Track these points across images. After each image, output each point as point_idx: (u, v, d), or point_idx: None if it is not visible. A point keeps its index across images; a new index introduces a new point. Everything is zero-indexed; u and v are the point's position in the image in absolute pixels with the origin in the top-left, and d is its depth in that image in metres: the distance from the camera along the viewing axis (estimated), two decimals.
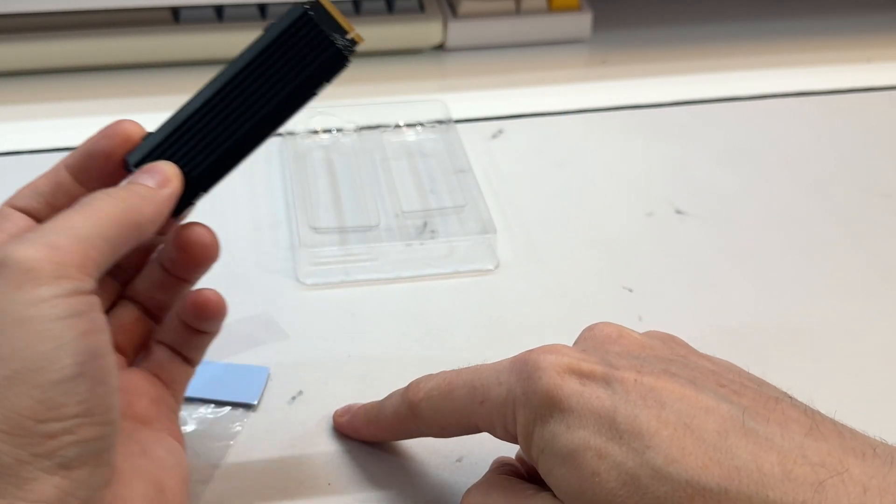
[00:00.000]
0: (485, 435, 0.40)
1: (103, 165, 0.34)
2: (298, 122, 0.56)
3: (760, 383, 0.33)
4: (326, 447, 0.39)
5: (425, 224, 0.50)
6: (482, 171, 0.55)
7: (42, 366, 0.28)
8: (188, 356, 0.37)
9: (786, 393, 0.32)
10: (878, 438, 0.30)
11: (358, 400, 0.41)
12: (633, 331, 0.35)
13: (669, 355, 0.34)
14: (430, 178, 0.54)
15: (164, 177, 0.33)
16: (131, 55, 0.61)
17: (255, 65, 0.34)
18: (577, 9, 0.67)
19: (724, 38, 0.69)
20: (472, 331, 0.45)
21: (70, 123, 0.58)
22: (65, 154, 0.54)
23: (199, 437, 0.39)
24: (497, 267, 0.49)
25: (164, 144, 0.35)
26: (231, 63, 0.34)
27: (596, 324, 0.35)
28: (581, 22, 0.67)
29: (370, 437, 0.40)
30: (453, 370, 0.36)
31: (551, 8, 0.67)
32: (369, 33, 0.63)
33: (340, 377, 0.42)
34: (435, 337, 0.45)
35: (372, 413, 0.39)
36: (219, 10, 0.62)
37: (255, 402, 0.41)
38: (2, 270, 0.28)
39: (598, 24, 0.68)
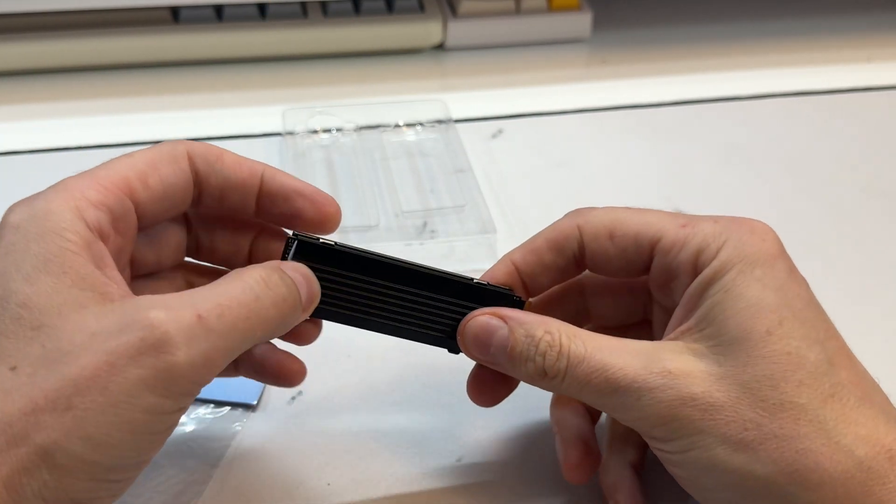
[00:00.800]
0: (484, 436, 0.40)
1: (280, 212, 0.35)
2: (298, 122, 0.56)
3: None
4: (326, 447, 0.39)
5: (425, 224, 0.50)
6: (482, 171, 0.55)
7: (118, 465, 0.28)
8: None
9: None
10: None
11: (357, 400, 0.41)
12: None
13: None
14: (430, 177, 0.54)
15: (311, 299, 0.33)
16: (131, 55, 0.61)
17: (438, 296, 0.35)
18: (576, 8, 0.67)
19: (723, 38, 0.69)
20: None
21: (70, 123, 0.58)
22: (64, 154, 0.55)
23: (199, 437, 0.39)
24: None
25: (328, 265, 0.34)
26: (431, 270, 0.35)
27: None
28: (581, 22, 0.67)
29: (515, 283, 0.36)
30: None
31: (551, 8, 0.67)
32: (369, 33, 0.64)
33: (340, 377, 0.42)
34: None
35: (521, 246, 0.37)
36: (218, 10, 0.62)
37: (255, 402, 0.41)
38: (150, 349, 0.28)
39: (597, 24, 0.68)
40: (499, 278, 0.37)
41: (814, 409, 0.31)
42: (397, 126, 0.57)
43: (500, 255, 0.49)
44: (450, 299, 0.36)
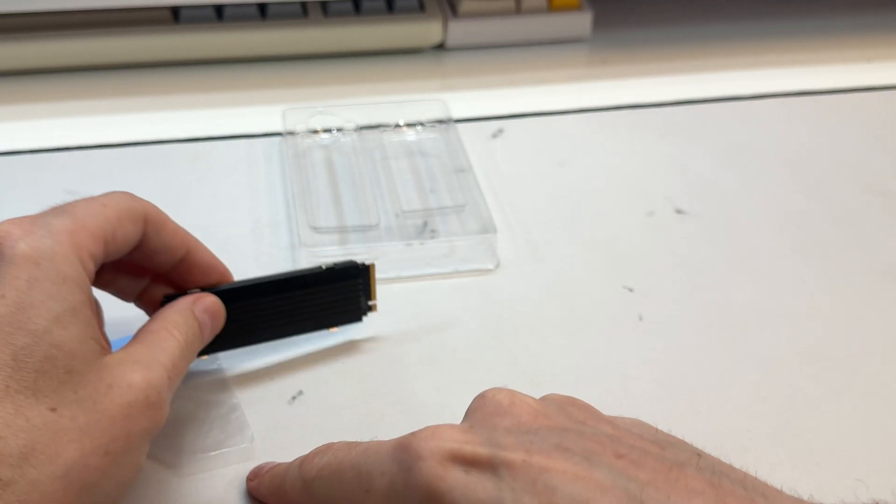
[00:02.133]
0: None
1: (194, 279, 0.39)
2: (299, 121, 0.56)
3: (665, 445, 0.30)
4: None
5: (425, 224, 0.50)
6: (482, 171, 0.55)
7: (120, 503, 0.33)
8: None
9: (695, 451, 0.30)
10: (798, 496, 0.29)
11: (357, 399, 0.41)
12: (529, 396, 0.32)
13: (566, 423, 0.31)
14: (431, 177, 0.54)
15: (215, 328, 0.39)
16: (131, 55, 0.61)
17: (304, 293, 0.41)
18: (577, 8, 0.67)
19: (724, 38, 0.69)
20: (472, 331, 0.45)
21: (70, 123, 0.58)
22: (65, 154, 0.55)
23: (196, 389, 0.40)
24: (497, 267, 0.49)
25: None
26: (290, 278, 0.41)
27: (487, 391, 0.33)
28: (581, 21, 0.67)
29: None
30: (347, 445, 0.33)
31: (551, 7, 0.67)
32: (369, 33, 0.64)
33: (340, 377, 0.42)
34: (435, 337, 0.45)
35: (275, 482, 0.36)
36: (219, 10, 0.62)
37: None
38: (152, 406, 0.32)
39: (598, 24, 0.68)
40: None
41: None
42: (398, 126, 0.57)
43: (501, 254, 0.49)
44: (314, 289, 0.41)
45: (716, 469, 0.29)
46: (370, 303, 0.43)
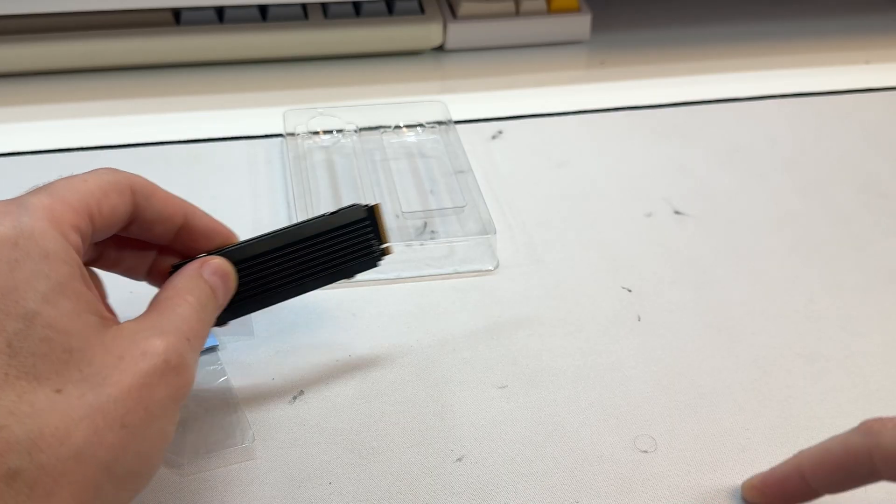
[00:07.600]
0: (485, 434, 0.40)
1: (197, 245, 0.38)
2: (299, 123, 0.56)
3: None
4: (326, 447, 0.40)
5: (425, 225, 0.50)
6: (482, 172, 0.55)
7: (149, 474, 0.32)
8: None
9: None
10: None
11: (358, 399, 0.42)
12: None
13: None
14: (430, 178, 0.54)
15: (228, 289, 0.37)
16: (132, 56, 0.62)
17: (312, 243, 0.40)
18: (576, 10, 0.67)
19: (722, 40, 0.70)
20: (472, 331, 0.45)
21: (72, 125, 0.58)
22: (67, 155, 0.55)
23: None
24: (497, 267, 0.49)
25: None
26: (295, 229, 0.39)
27: None
28: (580, 23, 0.67)
29: (796, 490, 0.36)
30: None
31: (550, 9, 0.67)
32: (369, 35, 0.64)
33: (340, 377, 0.43)
34: (435, 337, 0.45)
35: (809, 455, 0.35)
36: (220, 12, 0.62)
37: (217, 344, 0.43)
38: (172, 370, 0.31)
39: (597, 26, 0.68)
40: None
41: None
42: (398, 127, 0.57)
43: (500, 255, 0.49)
44: (322, 238, 0.40)
45: None
46: (383, 246, 0.41)
